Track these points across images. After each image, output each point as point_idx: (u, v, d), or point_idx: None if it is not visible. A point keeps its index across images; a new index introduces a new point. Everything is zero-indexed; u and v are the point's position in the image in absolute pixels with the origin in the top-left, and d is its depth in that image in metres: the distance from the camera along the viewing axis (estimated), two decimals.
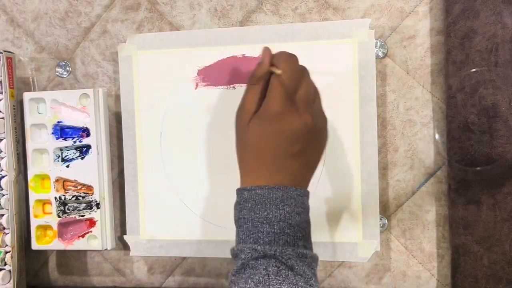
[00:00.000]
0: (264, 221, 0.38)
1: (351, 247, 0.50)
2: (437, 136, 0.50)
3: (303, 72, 0.41)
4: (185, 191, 0.54)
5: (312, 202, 0.51)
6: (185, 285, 0.56)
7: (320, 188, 0.51)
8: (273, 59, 0.41)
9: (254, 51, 0.52)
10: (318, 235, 0.51)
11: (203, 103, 0.53)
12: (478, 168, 0.47)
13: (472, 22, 0.47)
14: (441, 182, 0.50)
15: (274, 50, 0.40)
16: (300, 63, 0.41)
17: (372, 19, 0.51)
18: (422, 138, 0.51)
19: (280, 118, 0.39)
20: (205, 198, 0.53)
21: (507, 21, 0.46)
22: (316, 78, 0.50)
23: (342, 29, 0.50)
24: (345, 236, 0.51)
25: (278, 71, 0.39)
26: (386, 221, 0.51)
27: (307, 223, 0.40)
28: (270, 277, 0.35)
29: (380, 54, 0.51)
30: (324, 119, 0.42)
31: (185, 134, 0.53)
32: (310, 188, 0.41)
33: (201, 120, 0.53)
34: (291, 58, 0.41)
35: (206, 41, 0.53)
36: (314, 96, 0.42)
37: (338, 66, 0.50)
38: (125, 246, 0.56)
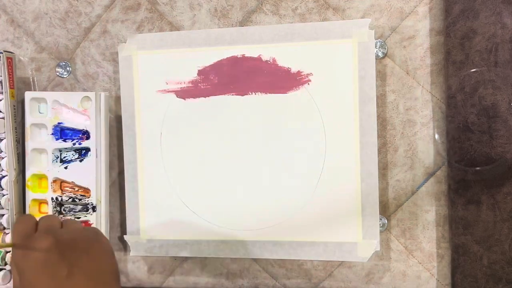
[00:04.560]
0: None
1: (351, 247, 0.50)
2: (437, 136, 0.50)
3: (32, 220, 0.43)
4: (185, 191, 0.54)
5: (312, 202, 0.51)
6: (185, 285, 0.56)
7: (320, 188, 0.51)
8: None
9: (254, 51, 0.52)
10: (318, 235, 0.51)
11: (203, 103, 0.53)
12: (478, 168, 0.47)
13: (472, 22, 0.47)
14: (441, 182, 0.50)
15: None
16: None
17: (372, 19, 0.51)
18: (422, 138, 0.51)
19: (23, 257, 0.40)
20: (205, 198, 0.53)
21: (507, 21, 0.47)
22: (316, 78, 0.51)
23: (342, 29, 0.50)
24: (345, 236, 0.51)
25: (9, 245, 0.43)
26: (386, 221, 0.51)
27: None
28: None
29: (380, 54, 0.51)
30: (84, 233, 0.43)
31: (185, 134, 0.53)
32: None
33: (201, 120, 0.53)
34: (17, 224, 0.43)
35: (206, 41, 0.53)
36: (57, 224, 0.43)
37: (338, 66, 0.50)
38: (125, 246, 0.56)
